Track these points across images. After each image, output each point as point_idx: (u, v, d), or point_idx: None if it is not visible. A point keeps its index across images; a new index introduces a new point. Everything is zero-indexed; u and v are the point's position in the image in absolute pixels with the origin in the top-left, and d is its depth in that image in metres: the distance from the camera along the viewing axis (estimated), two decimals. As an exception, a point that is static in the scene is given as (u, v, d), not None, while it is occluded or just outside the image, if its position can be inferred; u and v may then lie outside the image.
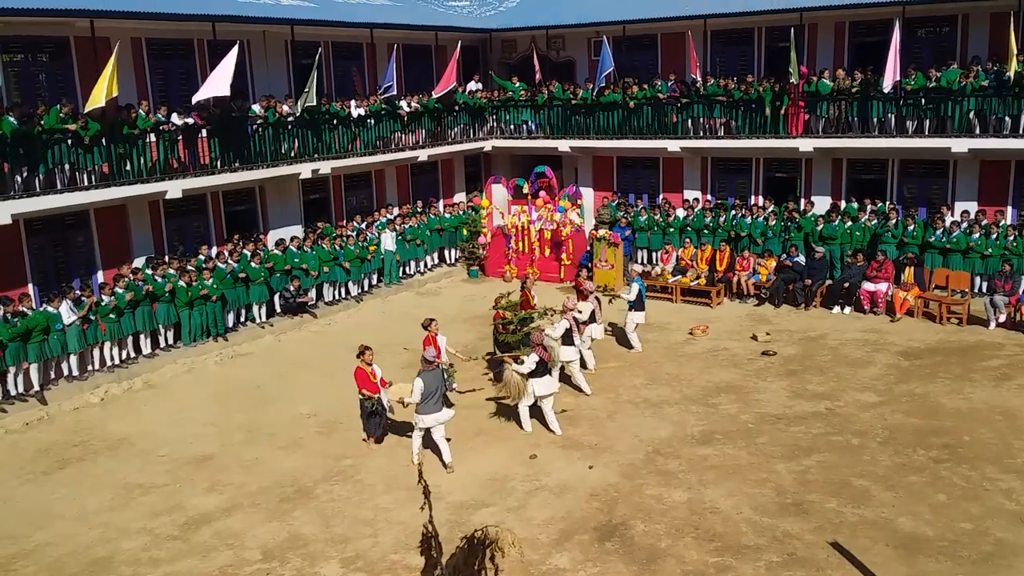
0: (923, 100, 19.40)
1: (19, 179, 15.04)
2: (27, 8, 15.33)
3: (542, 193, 22.56)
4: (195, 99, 17.10)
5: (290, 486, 11.67)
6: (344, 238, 20.46)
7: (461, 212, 24.41)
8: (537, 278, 21.89)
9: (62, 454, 13.03)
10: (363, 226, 21.68)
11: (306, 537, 10.39)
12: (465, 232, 23.92)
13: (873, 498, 10.68)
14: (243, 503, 11.27)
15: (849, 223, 20.03)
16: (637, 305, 16.33)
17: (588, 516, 10.54)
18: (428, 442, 12.14)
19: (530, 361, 12.62)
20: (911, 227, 19.32)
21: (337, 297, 20.47)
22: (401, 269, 22.41)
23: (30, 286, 16.18)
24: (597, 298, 15.91)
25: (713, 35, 22.98)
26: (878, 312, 18.29)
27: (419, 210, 23.63)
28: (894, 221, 19.61)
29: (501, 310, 14.70)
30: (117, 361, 16.12)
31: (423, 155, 23.25)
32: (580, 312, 14.70)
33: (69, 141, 15.54)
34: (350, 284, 20.71)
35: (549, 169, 22.97)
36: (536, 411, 13.08)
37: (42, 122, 15.27)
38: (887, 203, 20.73)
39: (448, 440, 12.05)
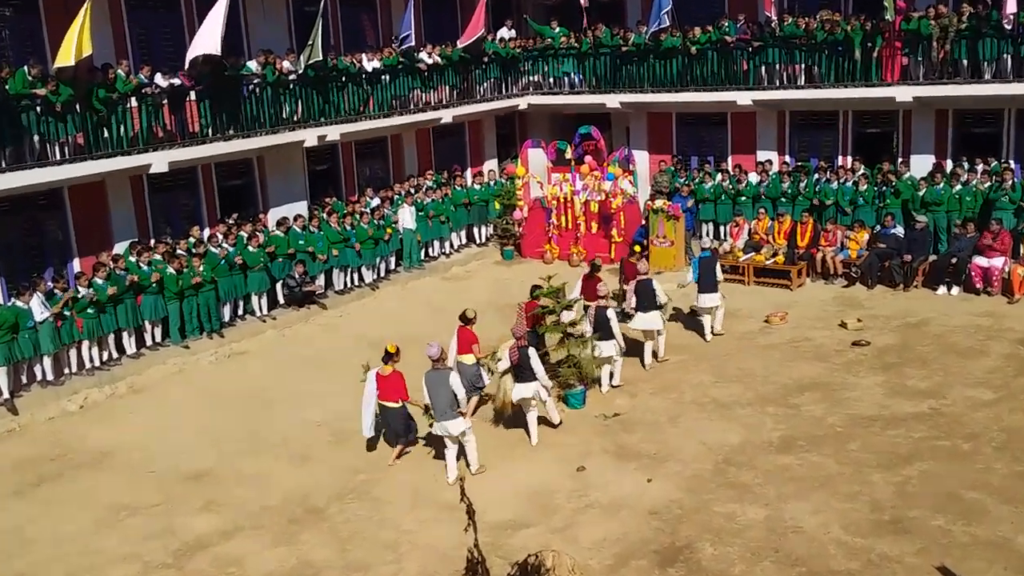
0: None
1: (-19, 154, 15.31)
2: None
3: (588, 158, 22.48)
4: (189, 57, 17.25)
5: (298, 505, 11.79)
6: (356, 216, 20.59)
7: (492, 183, 24.42)
8: (583, 259, 21.88)
9: (37, 470, 13.29)
10: (378, 202, 21.79)
11: (318, 564, 10.49)
12: (497, 206, 23.93)
13: (988, 514, 10.53)
14: (244, 525, 11.41)
15: (957, 187, 19.72)
16: (703, 286, 16.29)
17: (647, 538, 10.51)
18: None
19: (504, 358, 12.89)
20: (1032, 190, 19.03)
21: (349, 285, 20.62)
22: (423, 251, 22.50)
23: (-3, 277, 16.52)
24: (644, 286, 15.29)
25: (790, -35, 22.74)
26: (992, 292, 18.02)
27: (443, 181, 23.69)
28: (1011, 183, 19.27)
29: (540, 297, 14.68)
30: (97, 363, 16.36)
31: (447, 116, 23.27)
32: (610, 302, 14.58)
33: (38, 108, 15.76)
34: (364, 269, 20.85)
35: (596, 130, 22.87)
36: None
37: (7, 86, 15.50)
38: (1002, 162, 20.36)
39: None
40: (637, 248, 17.24)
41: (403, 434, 12.87)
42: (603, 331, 14.10)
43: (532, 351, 12.75)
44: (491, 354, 13.66)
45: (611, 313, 14.27)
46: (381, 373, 12.62)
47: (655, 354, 15.68)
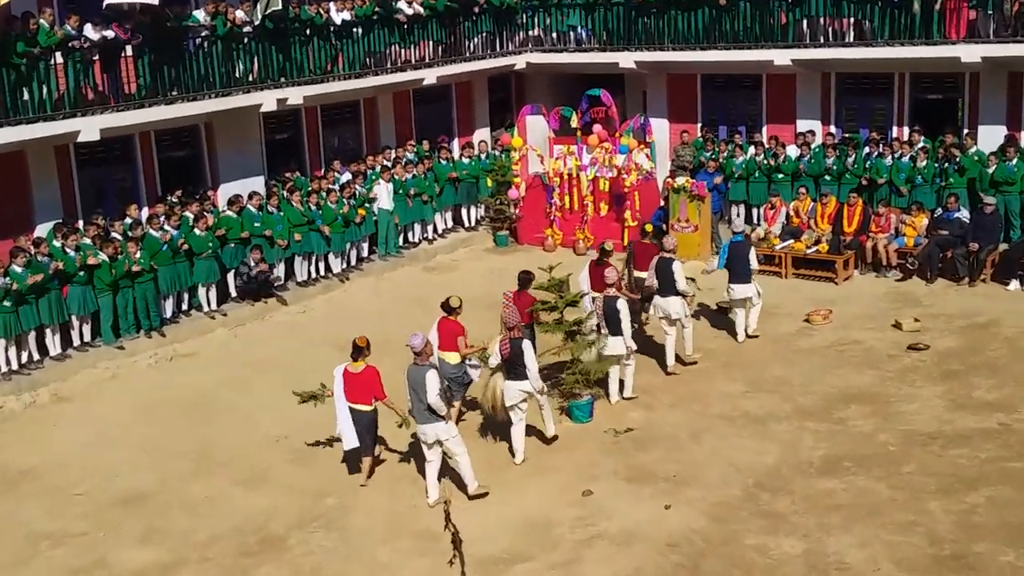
0: None
1: None
2: None
3: (597, 127, 22.48)
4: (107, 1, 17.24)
5: (254, 534, 11.78)
6: (323, 194, 20.58)
7: (484, 156, 24.40)
8: (590, 245, 21.89)
9: (-56, 492, 13.28)
10: (349, 177, 21.79)
11: (276, 603, 10.52)
12: (490, 183, 23.92)
13: (1067, 548, 10.58)
14: (190, 557, 11.39)
15: (1034, 163, 19.78)
16: (735, 275, 16.39)
17: (665, 574, 10.51)
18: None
19: (495, 352, 13.05)
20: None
21: (314, 275, 20.62)
22: (402, 236, 22.51)
23: None
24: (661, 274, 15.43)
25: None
26: (1074, 288, 18.12)
27: (426, 154, 23.68)
28: (1097, 159, 19.35)
29: (542, 289, 14.69)
30: (15, 366, 16.34)
31: (431, 77, 23.25)
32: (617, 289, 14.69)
33: (-55, 65, 15.77)
34: (331, 257, 20.85)
35: (607, 94, 22.87)
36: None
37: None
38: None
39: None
40: (649, 227, 17.20)
41: (369, 441, 12.79)
42: (611, 325, 14.12)
43: (528, 344, 12.79)
44: (481, 349, 13.68)
45: (621, 304, 14.19)
46: (350, 369, 12.61)
47: (678, 355, 15.69)
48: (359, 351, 12.58)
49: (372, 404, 12.59)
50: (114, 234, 17.59)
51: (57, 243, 16.87)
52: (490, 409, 13.47)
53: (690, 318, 15.87)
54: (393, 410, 12.50)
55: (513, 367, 12.83)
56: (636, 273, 16.76)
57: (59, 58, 17.11)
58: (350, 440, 12.72)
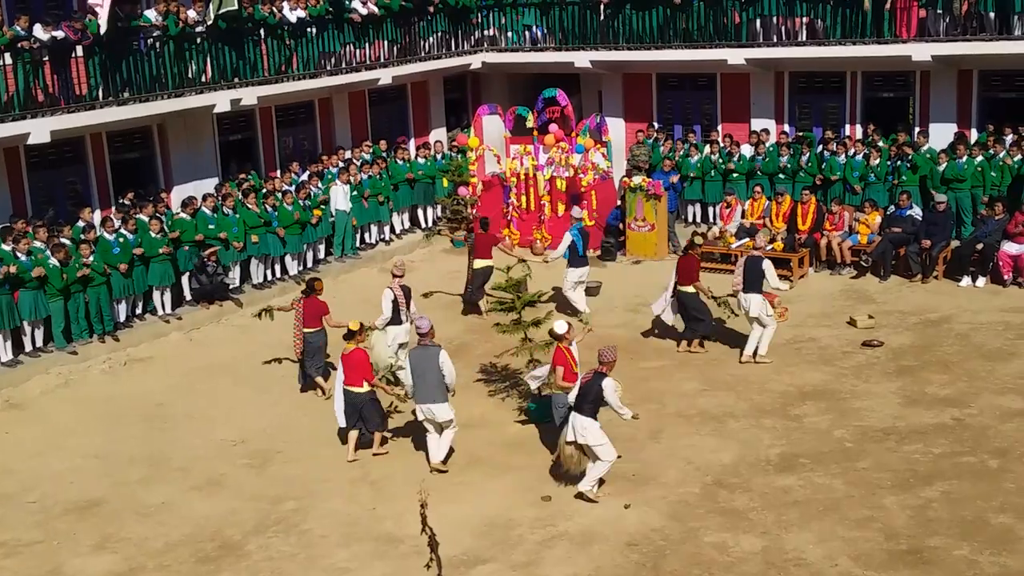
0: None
1: None
2: None
3: (553, 127, 22.50)
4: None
5: (210, 541, 11.68)
6: (278, 195, 20.45)
7: (440, 156, 24.35)
8: (547, 246, 21.91)
9: None
10: (304, 178, 21.67)
11: (234, 610, 10.45)
12: (446, 184, 23.83)
13: (1020, 540, 10.69)
14: (146, 565, 11.28)
15: (979, 159, 19.98)
16: (573, 260, 17.49)
17: (625, 573, 10.54)
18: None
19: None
20: (1070, 164, 19.36)
21: (270, 277, 20.50)
22: (358, 237, 22.42)
23: None
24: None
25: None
26: (1024, 284, 18.36)
27: (382, 154, 23.60)
28: (1046, 156, 19.61)
29: (500, 291, 14.71)
30: (-34, 372, 16.15)
31: (386, 77, 23.18)
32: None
33: None
34: (288, 259, 20.73)
35: (563, 93, 22.89)
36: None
37: None
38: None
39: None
40: (487, 220, 19.01)
41: (380, 423, 13.31)
42: (754, 282, 15.34)
43: (610, 383, 11.83)
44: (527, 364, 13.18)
45: (767, 264, 15.53)
46: (344, 352, 13.21)
47: (755, 352, 15.84)
48: (351, 335, 13.22)
49: (363, 386, 13.10)
50: (64, 239, 17.36)
51: (6, 247, 16.63)
52: (564, 461, 12.16)
53: (771, 317, 15.83)
54: (385, 391, 13.26)
55: (584, 403, 11.85)
56: (476, 263, 18.37)
57: (8, 59, 16.92)
58: (340, 419, 13.33)
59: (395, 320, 15.22)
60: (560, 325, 12.83)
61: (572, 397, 12.19)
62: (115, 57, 18.25)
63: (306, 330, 15.33)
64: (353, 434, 13.31)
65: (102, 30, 17.90)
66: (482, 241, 18.55)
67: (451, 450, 13.06)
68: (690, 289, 16.07)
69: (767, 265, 15.68)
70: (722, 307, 16.01)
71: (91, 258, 17.07)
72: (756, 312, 15.64)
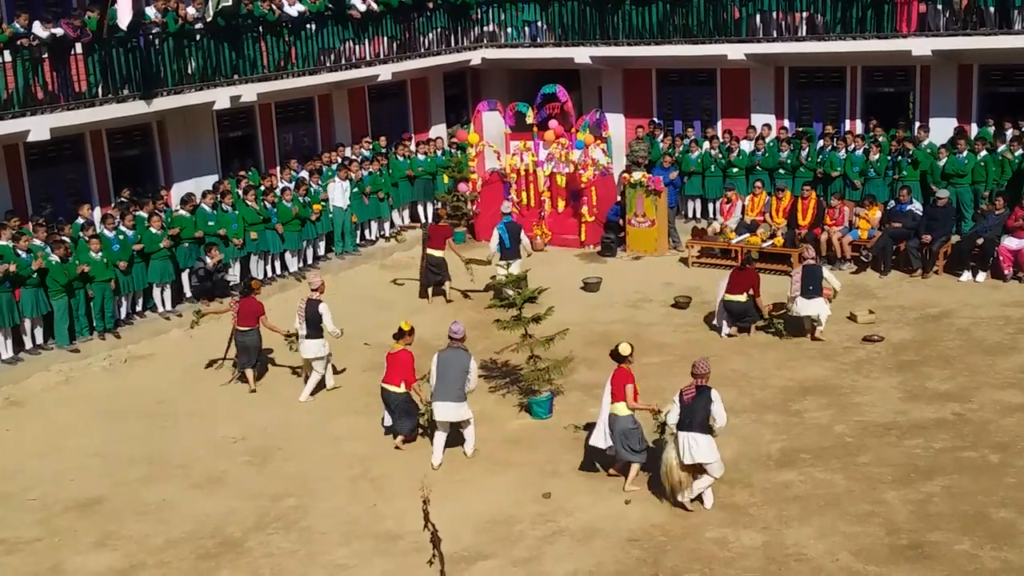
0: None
1: None
2: None
3: (553, 123, 22.48)
4: None
5: (211, 538, 11.68)
6: (278, 192, 20.44)
7: (440, 152, 24.35)
8: (548, 241, 21.93)
9: None
10: (304, 174, 21.65)
11: (235, 607, 10.44)
12: (446, 180, 23.87)
13: (1021, 535, 10.69)
14: (146, 562, 11.28)
15: (983, 154, 19.97)
16: (504, 252, 17.75)
17: (626, 569, 10.54)
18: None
19: (673, 411, 11.65)
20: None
21: (270, 273, 20.48)
22: (358, 233, 22.41)
23: None
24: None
25: None
26: (1024, 278, 18.37)
27: (382, 150, 23.58)
28: (1046, 151, 19.60)
29: (499, 287, 14.71)
30: (-34, 370, 16.14)
31: (386, 73, 23.16)
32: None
33: None
34: (287, 255, 20.73)
35: (562, 89, 22.87)
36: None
37: None
38: (1035, 126, 20.68)
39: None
40: (443, 212, 20.91)
41: (409, 424, 13.44)
42: (815, 289, 15.94)
43: (717, 394, 11.55)
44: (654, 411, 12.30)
45: (826, 271, 16.35)
46: (390, 351, 13.44)
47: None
48: (401, 334, 13.45)
49: (400, 386, 13.26)
50: (64, 236, 17.36)
51: (7, 244, 16.61)
52: (670, 488, 11.66)
53: (827, 316, 16.33)
54: (419, 397, 13.38)
55: (691, 417, 11.42)
56: (428, 251, 19.26)
57: (7, 56, 16.90)
58: (388, 418, 13.64)
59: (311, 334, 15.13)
60: (624, 347, 12.44)
61: (673, 418, 11.52)
62: (114, 54, 18.25)
63: (239, 328, 15.60)
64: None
65: (125, 23, 17.90)
66: (435, 232, 19.48)
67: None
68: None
69: (826, 271, 16.48)
70: None
71: (99, 254, 17.08)
72: (815, 312, 16.13)
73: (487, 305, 15.92)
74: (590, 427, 13.48)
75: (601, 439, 12.24)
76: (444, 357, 12.88)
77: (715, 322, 16.96)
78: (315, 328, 14.93)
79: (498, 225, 18.78)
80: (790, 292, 16.46)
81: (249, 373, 15.73)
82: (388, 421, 13.65)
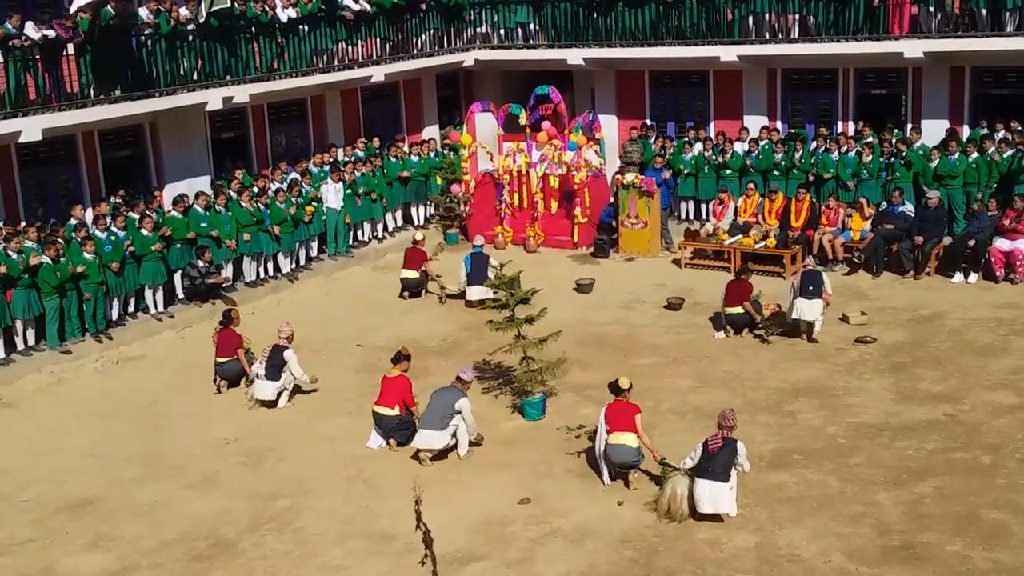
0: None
1: None
2: None
3: (546, 124, 22.51)
4: (74, 7, 16.96)
5: (204, 539, 11.68)
6: (271, 193, 20.44)
7: (433, 154, 24.36)
8: (540, 243, 21.95)
9: None
10: (297, 175, 21.64)
11: (228, 608, 10.45)
12: (439, 181, 23.89)
13: (1012, 536, 10.73)
14: (140, 563, 11.28)
15: (975, 156, 20.03)
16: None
17: (619, 570, 10.56)
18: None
19: (693, 458, 11.54)
20: (1062, 160, 19.39)
21: (262, 275, 20.48)
22: (351, 235, 22.42)
23: None
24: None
25: None
26: (1016, 280, 18.36)
27: (375, 151, 23.58)
28: (1037, 152, 19.64)
29: (494, 287, 14.73)
30: (-42, 371, 16.11)
31: (379, 74, 23.16)
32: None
33: None
34: (280, 257, 20.71)
35: (555, 91, 22.90)
36: None
37: None
38: (1026, 127, 20.73)
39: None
40: (419, 236, 20.72)
41: (403, 436, 13.46)
42: (815, 291, 16.04)
43: (742, 446, 11.52)
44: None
45: (825, 276, 16.43)
46: (387, 374, 13.60)
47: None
48: (399, 358, 13.61)
49: (395, 409, 13.35)
50: (56, 237, 17.32)
51: (-2, 245, 16.63)
52: (665, 514, 11.51)
53: (823, 317, 16.45)
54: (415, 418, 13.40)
55: (712, 467, 11.29)
56: (403, 272, 19.69)
57: (-1, 57, 16.91)
58: (373, 440, 13.61)
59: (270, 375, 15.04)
60: (624, 380, 12.40)
61: (689, 464, 11.47)
62: (107, 55, 18.22)
63: (218, 359, 15.68)
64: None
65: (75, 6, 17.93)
66: (411, 255, 19.90)
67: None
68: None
69: (825, 277, 16.49)
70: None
71: (93, 256, 17.05)
72: (813, 316, 16.17)
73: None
74: (583, 430, 13.56)
75: (607, 478, 12.31)
76: (438, 394, 13.14)
77: (718, 335, 16.98)
78: (276, 373, 14.89)
79: (466, 256, 19.24)
80: (789, 299, 16.46)
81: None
82: (372, 443, 13.56)
